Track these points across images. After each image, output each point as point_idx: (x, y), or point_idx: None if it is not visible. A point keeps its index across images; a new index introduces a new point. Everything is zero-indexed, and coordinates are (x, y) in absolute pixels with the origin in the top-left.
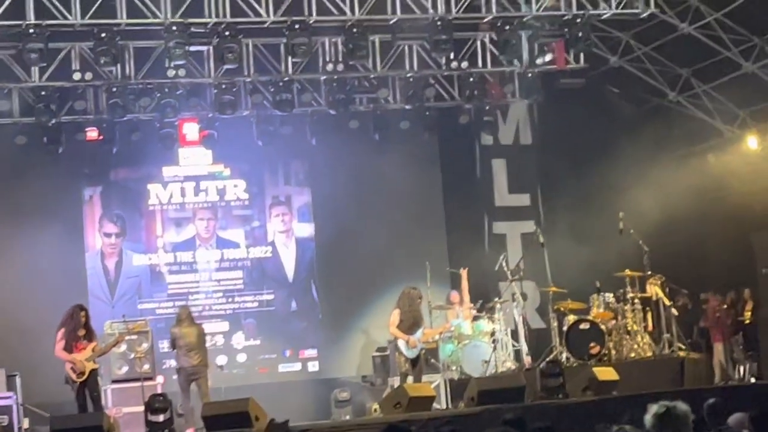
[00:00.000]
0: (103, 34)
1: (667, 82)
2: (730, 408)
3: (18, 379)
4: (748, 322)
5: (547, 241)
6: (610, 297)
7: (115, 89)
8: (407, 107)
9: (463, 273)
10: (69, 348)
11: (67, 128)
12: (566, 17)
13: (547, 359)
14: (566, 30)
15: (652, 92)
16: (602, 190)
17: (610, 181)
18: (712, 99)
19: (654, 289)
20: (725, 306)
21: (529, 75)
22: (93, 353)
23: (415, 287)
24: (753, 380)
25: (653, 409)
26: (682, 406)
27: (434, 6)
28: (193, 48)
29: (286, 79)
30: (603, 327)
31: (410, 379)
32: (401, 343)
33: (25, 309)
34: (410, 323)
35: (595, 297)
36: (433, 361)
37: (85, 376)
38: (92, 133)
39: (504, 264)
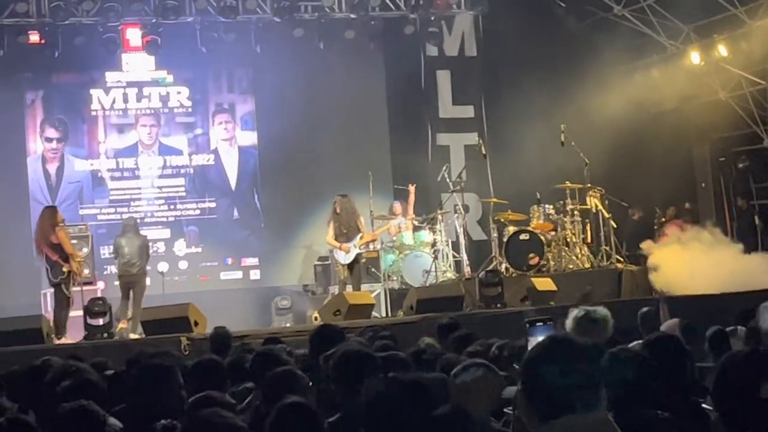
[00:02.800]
0: None
1: None
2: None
3: None
4: None
5: (490, 153)
6: (550, 208)
7: None
8: (352, 16)
9: (411, 188)
10: None
11: (8, 30)
12: None
13: (487, 269)
14: None
15: (598, 6)
16: (545, 103)
17: (554, 94)
18: (657, 13)
19: (593, 202)
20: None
21: None
22: None
23: (345, 195)
24: None
25: (573, 313)
26: (601, 310)
27: None
28: None
29: None
30: (542, 238)
31: (350, 288)
32: (337, 252)
33: None
34: (344, 232)
35: (536, 208)
36: (374, 270)
37: None
38: (34, 37)
39: (446, 175)
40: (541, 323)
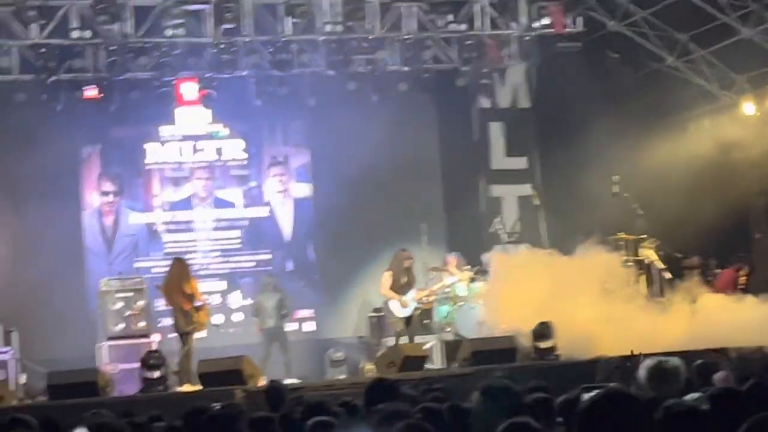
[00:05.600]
0: None
1: (665, 46)
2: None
3: (16, 335)
4: (742, 288)
5: (544, 203)
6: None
7: (114, 48)
8: (405, 69)
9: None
10: None
11: (65, 86)
12: None
13: (540, 321)
14: None
15: (650, 57)
16: (598, 154)
17: (606, 145)
18: (710, 64)
19: (647, 253)
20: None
21: (527, 38)
22: None
23: (405, 249)
24: None
25: (645, 363)
26: (674, 360)
27: None
28: (192, 7)
29: (284, 39)
30: None
31: (404, 339)
32: (393, 304)
33: (24, 266)
34: (402, 284)
35: None
36: (427, 322)
37: None
38: (91, 92)
39: (500, 227)
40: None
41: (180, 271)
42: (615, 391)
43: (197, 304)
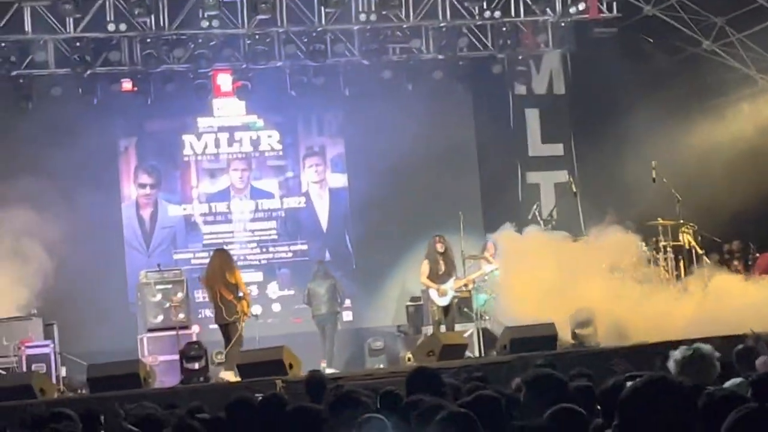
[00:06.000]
0: None
1: (701, 30)
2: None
3: (55, 328)
4: None
5: (580, 190)
6: (642, 246)
7: (149, 40)
8: (440, 57)
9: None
10: None
11: (102, 79)
12: None
13: (578, 308)
14: None
15: (686, 41)
16: (635, 140)
17: (644, 131)
18: (747, 48)
19: (686, 238)
20: None
21: (563, 24)
22: None
23: (440, 235)
24: None
25: (680, 350)
26: (705, 347)
27: None
28: None
29: (319, 29)
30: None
31: (443, 328)
32: (432, 293)
33: (63, 259)
34: (440, 273)
35: None
36: (466, 310)
37: None
38: (127, 84)
39: (537, 213)
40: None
41: (222, 262)
42: (657, 377)
43: (240, 294)
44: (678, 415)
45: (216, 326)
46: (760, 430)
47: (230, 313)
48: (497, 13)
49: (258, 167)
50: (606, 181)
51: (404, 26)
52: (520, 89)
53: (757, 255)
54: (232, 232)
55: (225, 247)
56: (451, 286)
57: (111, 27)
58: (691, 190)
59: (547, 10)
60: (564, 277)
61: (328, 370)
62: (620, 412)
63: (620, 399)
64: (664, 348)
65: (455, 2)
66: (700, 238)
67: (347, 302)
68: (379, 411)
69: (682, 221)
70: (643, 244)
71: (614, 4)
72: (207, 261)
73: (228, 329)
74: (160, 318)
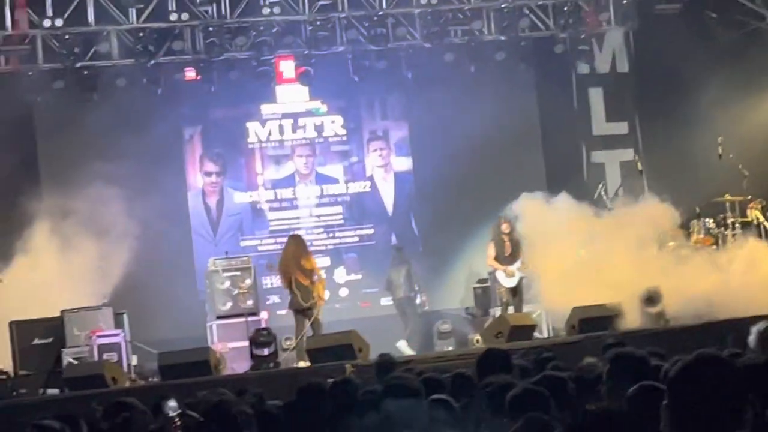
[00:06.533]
0: None
1: (765, 4)
2: None
3: (125, 317)
4: None
5: (646, 168)
6: (710, 222)
7: (211, 29)
8: (502, 38)
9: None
10: None
11: (165, 68)
12: None
13: (648, 287)
14: None
15: (751, 15)
16: (700, 116)
17: (709, 107)
18: None
19: (754, 214)
20: None
21: (625, 2)
22: None
23: (502, 216)
24: None
25: (757, 326)
26: None
27: None
28: None
29: (380, 13)
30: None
31: (511, 309)
32: (499, 274)
33: (132, 249)
34: (507, 254)
35: (695, 223)
36: (534, 291)
37: None
38: (190, 73)
39: (603, 193)
40: None
41: (297, 248)
42: (707, 355)
43: (315, 279)
44: (728, 394)
45: (285, 312)
46: None
47: (306, 298)
48: None
49: (322, 153)
50: (672, 159)
51: (465, 8)
52: (583, 68)
53: None
54: (298, 218)
55: (298, 234)
56: (518, 267)
57: (173, 17)
58: (758, 166)
59: None
60: (608, 255)
61: (407, 351)
62: (669, 391)
63: (669, 378)
64: (735, 325)
65: None
66: None
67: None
68: (451, 393)
69: (749, 197)
70: (711, 220)
71: None
72: (274, 247)
73: (303, 315)
74: (229, 305)
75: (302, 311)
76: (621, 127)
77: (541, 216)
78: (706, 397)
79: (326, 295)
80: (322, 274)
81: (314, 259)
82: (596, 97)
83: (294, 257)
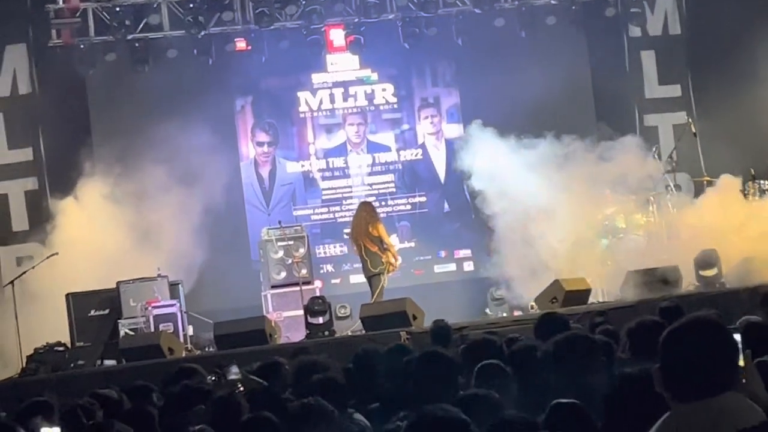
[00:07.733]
0: None
1: None
2: None
3: (181, 288)
4: None
5: (700, 131)
6: (765, 184)
7: None
8: (553, 2)
9: None
10: None
11: (216, 39)
12: None
13: (704, 249)
14: None
15: None
16: (755, 77)
17: (763, 68)
18: None
19: None
20: None
21: None
22: None
23: None
24: None
25: None
26: None
27: None
28: None
29: None
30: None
31: None
32: None
33: (184, 219)
34: None
35: (750, 184)
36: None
37: None
38: (240, 44)
39: (656, 156)
40: None
41: (367, 215)
42: (696, 317)
43: (384, 245)
44: (718, 355)
45: (338, 281)
46: None
47: (375, 264)
48: None
49: (373, 121)
50: (726, 121)
51: None
52: (635, 31)
53: None
54: (350, 186)
55: (369, 201)
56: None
57: None
58: None
59: None
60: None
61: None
62: (661, 353)
63: (660, 340)
64: None
65: None
66: None
67: (468, 252)
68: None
69: None
70: (766, 182)
71: None
72: (326, 216)
73: (372, 281)
74: (283, 274)
75: (371, 278)
76: (674, 90)
77: None
78: (695, 358)
79: (398, 262)
80: (391, 240)
81: (382, 226)
82: (648, 60)
83: (363, 224)
